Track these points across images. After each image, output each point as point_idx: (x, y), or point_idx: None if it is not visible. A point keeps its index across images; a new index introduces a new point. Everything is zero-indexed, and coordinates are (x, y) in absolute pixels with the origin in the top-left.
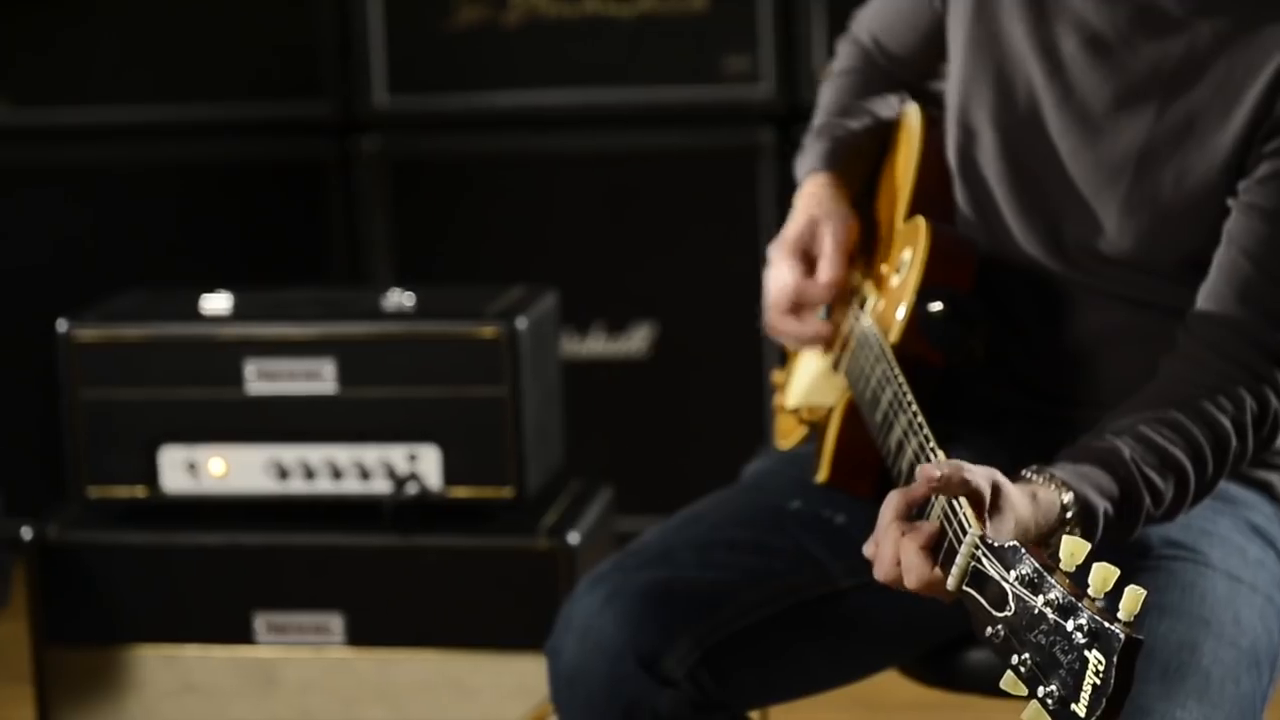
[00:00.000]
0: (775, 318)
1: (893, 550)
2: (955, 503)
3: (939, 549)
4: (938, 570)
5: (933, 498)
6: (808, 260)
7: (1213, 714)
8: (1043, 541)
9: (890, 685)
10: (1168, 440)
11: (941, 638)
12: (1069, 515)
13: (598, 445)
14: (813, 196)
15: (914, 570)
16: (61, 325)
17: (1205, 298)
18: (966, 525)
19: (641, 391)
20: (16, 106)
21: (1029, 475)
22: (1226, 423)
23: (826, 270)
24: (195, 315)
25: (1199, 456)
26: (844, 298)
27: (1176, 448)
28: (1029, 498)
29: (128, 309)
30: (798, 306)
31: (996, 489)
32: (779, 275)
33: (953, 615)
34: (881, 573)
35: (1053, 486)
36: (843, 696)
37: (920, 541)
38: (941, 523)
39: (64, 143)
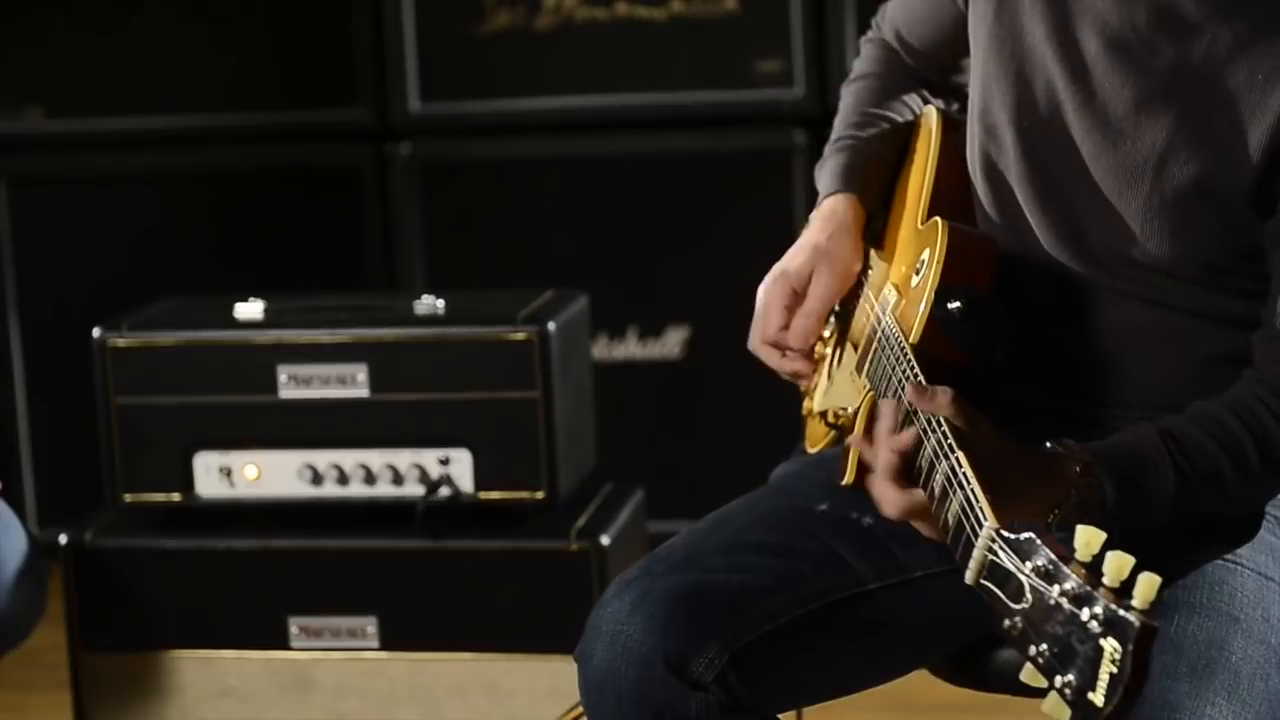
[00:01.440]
0: (756, 343)
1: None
2: (972, 495)
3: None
4: (916, 492)
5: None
6: (798, 301)
7: (1243, 711)
8: (1051, 508)
9: (923, 686)
10: (1202, 430)
11: (971, 637)
12: (1077, 469)
13: (632, 448)
14: (826, 223)
15: (888, 500)
16: (97, 333)
17: (1266, 320)
18: (983, 519)
19: (675, 394)
20: (49, 117)
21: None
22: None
23: (800, 327)
24: (229, 322)
25: (1237, 448)
26: (853, 306)
27: (1210, 437)
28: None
29: (162, 316)
30: (775, 346)
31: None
32: (765, 308)
33: (980, 615)
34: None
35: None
36: (875, 697)
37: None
38: (906, 412)
39: (98, 152)
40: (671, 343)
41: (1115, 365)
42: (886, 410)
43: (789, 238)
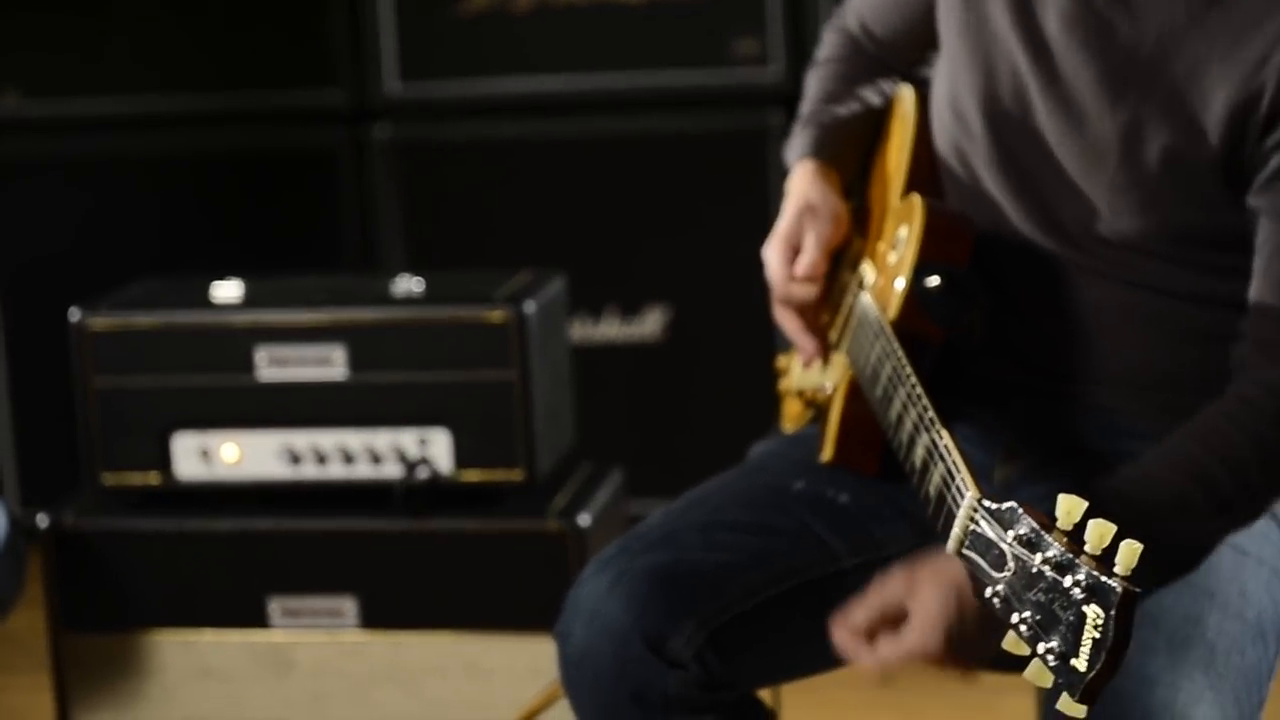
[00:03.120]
0: (777, 310)
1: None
2: (953, 467)
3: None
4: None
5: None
6: (795, 255)
7: (1219, 684)
8: None
9: None
10: (1201, 447)
11: None
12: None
13: (610, 429)
14: (801, 186)
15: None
16: (74, 314)
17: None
18: (964, 489)
19: (654, 375)
20: (26, 98)
21: None
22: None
23: (804, 266)
24: (206, 303)
25: (1238, 463)
26: (840, 284)
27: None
28: None
29: (140, 297)
30: (788, 300)
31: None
32: (771, 270)
33: None
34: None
35: None
36: (854, 674)
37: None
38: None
39: (74, 134)
40: (650, 323)
41: (1088, 342)
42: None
43: (766, 217)
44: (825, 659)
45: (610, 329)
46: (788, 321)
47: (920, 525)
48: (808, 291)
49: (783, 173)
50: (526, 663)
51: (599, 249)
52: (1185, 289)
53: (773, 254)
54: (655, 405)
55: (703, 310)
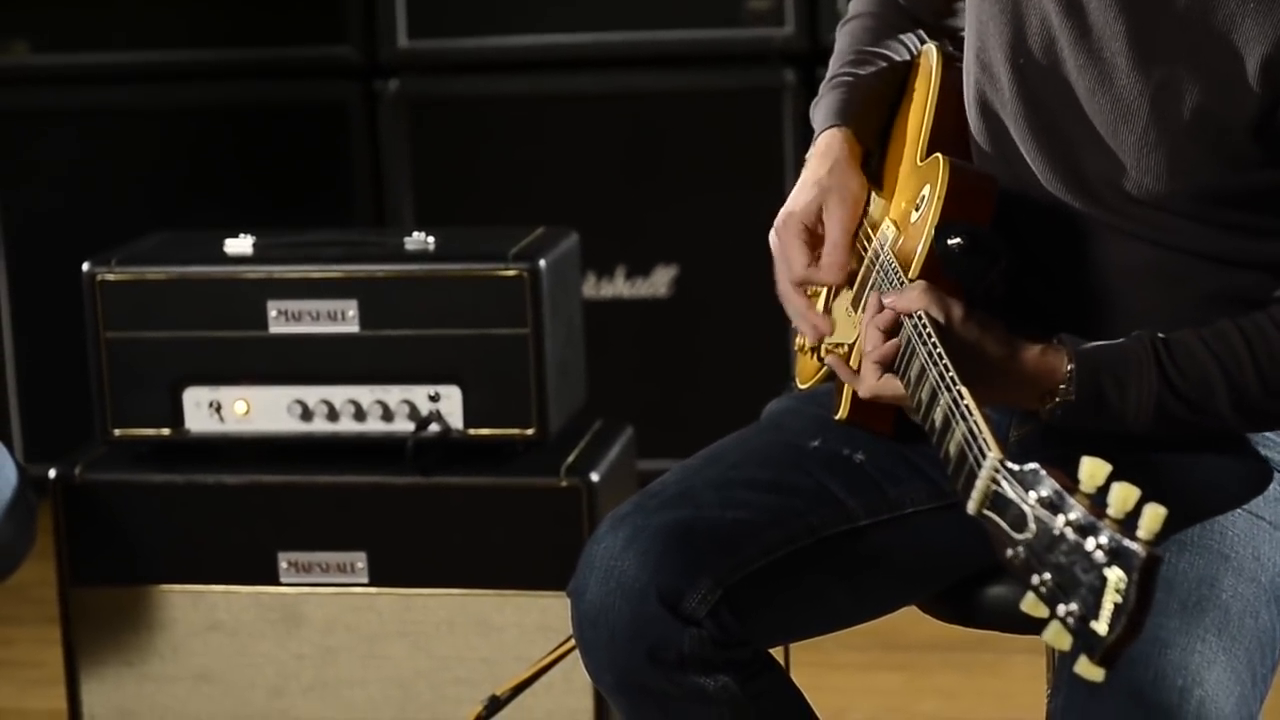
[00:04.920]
0: (785, 286)
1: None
2: (975, 427)
3: (899, 366)
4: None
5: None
6: (814, 239)
7: (1232, 647)
8: (1038, 399)
9: (907, 623)
10: (1200, 339)
11: (960, 574)
12: (1067, 359)
13: (619, 387)
14: (824, 158)
15: (867, 380)
16: (86, 267)
17: None
18: (986, 449)
19: (663, 333)
20: (35, 51)
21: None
22: (1275, 333)
23: (830, 264)
24: (219, 257)
25: (1234, 362)
26: (856, 244)
27: (1205, 343)
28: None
29: (152, 251)
30: (803, 284)
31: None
32: (787, 252)
33: (972, 551)
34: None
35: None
36: (860, 635)
37: (875, 356)
38: (907, 343)
39: (83, 86)
40: (659, 281)
41: (1112, 302)
42: (873, 300)
43: (778, 176)
44: (840, 617)
45: (619, 286)
46: (796, 302)
47: (935, 485)
48: (828, 280)
49: (795, 132)
50: (536, 619)
51: (608, 206)
52: (1213, 249)
53: (789, 234)
54: (663, 364)
55: (712, 269)
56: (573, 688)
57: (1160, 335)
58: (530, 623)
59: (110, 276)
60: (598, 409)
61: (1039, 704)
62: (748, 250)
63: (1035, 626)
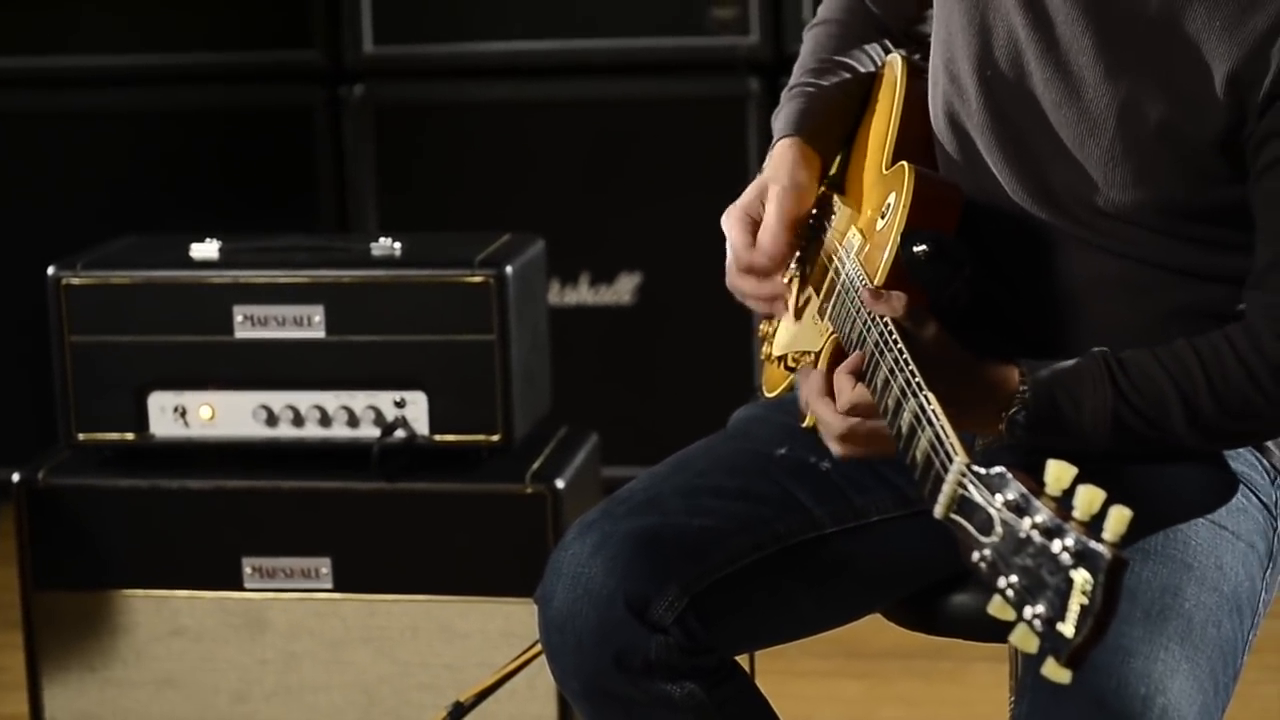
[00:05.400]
0: (733, 277)
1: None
2: (941, 431)
3: (865, 373)
4: (862, 387)
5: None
6: (756, 227)
7: (1195, 656)
8: (996, 417)
9: (869, 632)
10: (1155, 358)
11: (925, 582)
12: (1019, 377)
13: (583, 393)
14: (775, 162)
15: (843, 393)
16: (51, 271)
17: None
18: (953, 454)
19: (626, 340)
20: (2, 54)
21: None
22: (1228, 354)
23: (766, 241)
24: (185, 262)
25: (1188, 382)
26: (817, 252)
27: (1159, 362)
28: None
29: (118, 255)
30: (750, 270)
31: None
32: (730, 240)
33: (936, 559)
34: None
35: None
36: (823, 643)
37: (847, 368)
38: (872, 352)
39: (49, 90)
40: (623, 289)
41: (1077, 314)
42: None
43: (742, 185)
44: (806, 624)
45: (583, 293)
46: (746, 285)
47: (901, 493)
48: (767, 262)
49: (759, 141)
50: (500, 626)
51: (572, 213)
52: (1178, 263)
53: (732, 224)
54: (627, 371)
55: (676, 276)
56: (536, 694)
57: (1116, 354)
58: (494, 629)
59: (76, 280)
60: (562, 416)
61: (1000, 712)
62: (711, 258)
63: (997, 634)
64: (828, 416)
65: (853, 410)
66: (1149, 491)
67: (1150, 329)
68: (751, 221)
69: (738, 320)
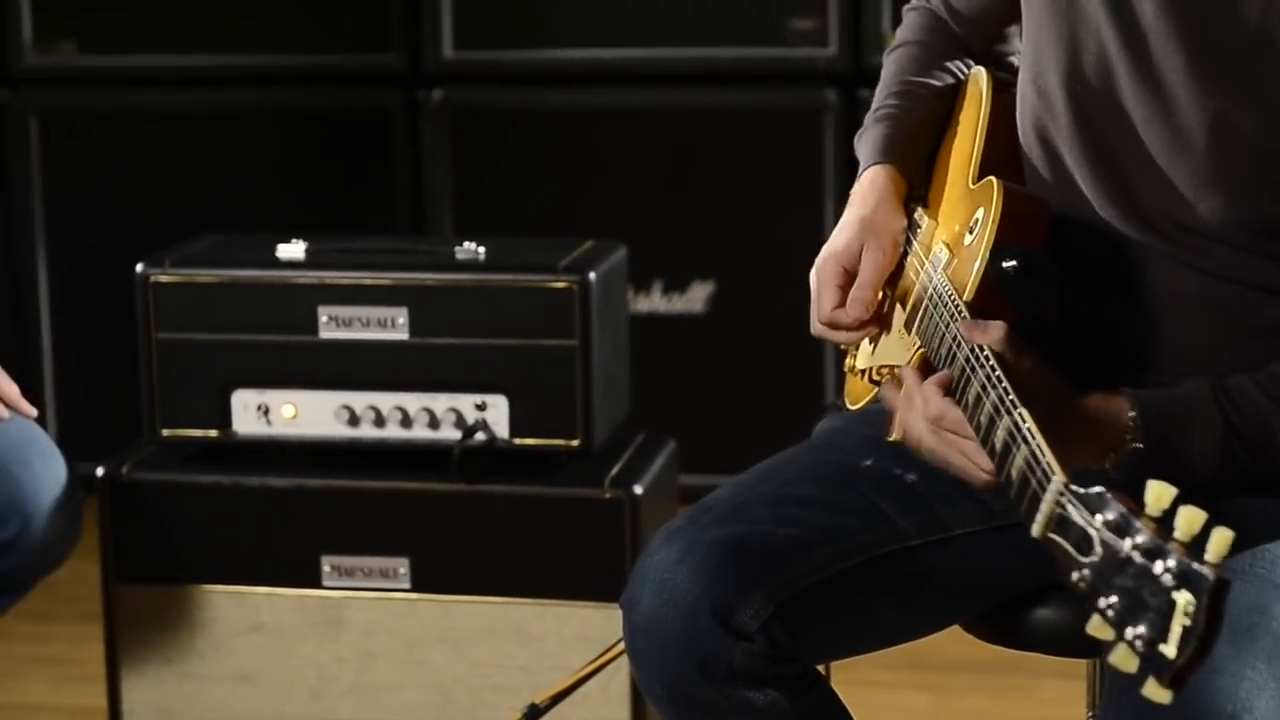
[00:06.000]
0: (815, 328)
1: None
2: (1038, 450)
3: (955, 389)
4: (950, 400)
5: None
6: (849, 280)
7: None
8: (1103, 453)
9: (937, 644)
10: (1256, 384)
11: (1007, 596)
12: (1131, 414)
13: (655, 401)
14: (868, 196)
15: (932, 403)
16: (140, 268)
17: None
18: (1050, 472)
19: (698, 349)
20: (84, 53)
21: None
22: None
23: (855, 304)
24: (271, 261)
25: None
26: (904, 267)
27: (1261, 388)
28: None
29: (204, 254)
30: (830, 325)
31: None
32: (819, 292)
33: (1020, 573)
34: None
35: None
36: (892, 656)
37: (938, 381)
38: (962, 368)
39: (129, 88)
40: (696, 297)
41: (1162, 330)
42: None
43: (817, 196)
44: (887, 635)
45: (655, 301)
46: (832, 336)
47: (985, 505)
48: (851, 320)
49: (836, 153)
50: (575, 629)
51: (647, 221)
52: (1266, 281)
53: (825, 276)
54: (697, 379)
55: (748, 286)
56: (609, 698)
57: (1219, 382)
58: (569, 632)
59: (164, 278)
60: (635, 422)
61: None
62: (785, 269)
63: (1077, 649)
64: (913, 424)
65: (938, 420)
66: (1235, 510)
67: (1234, 347)
68: (844, 275)
69: (807, 332)
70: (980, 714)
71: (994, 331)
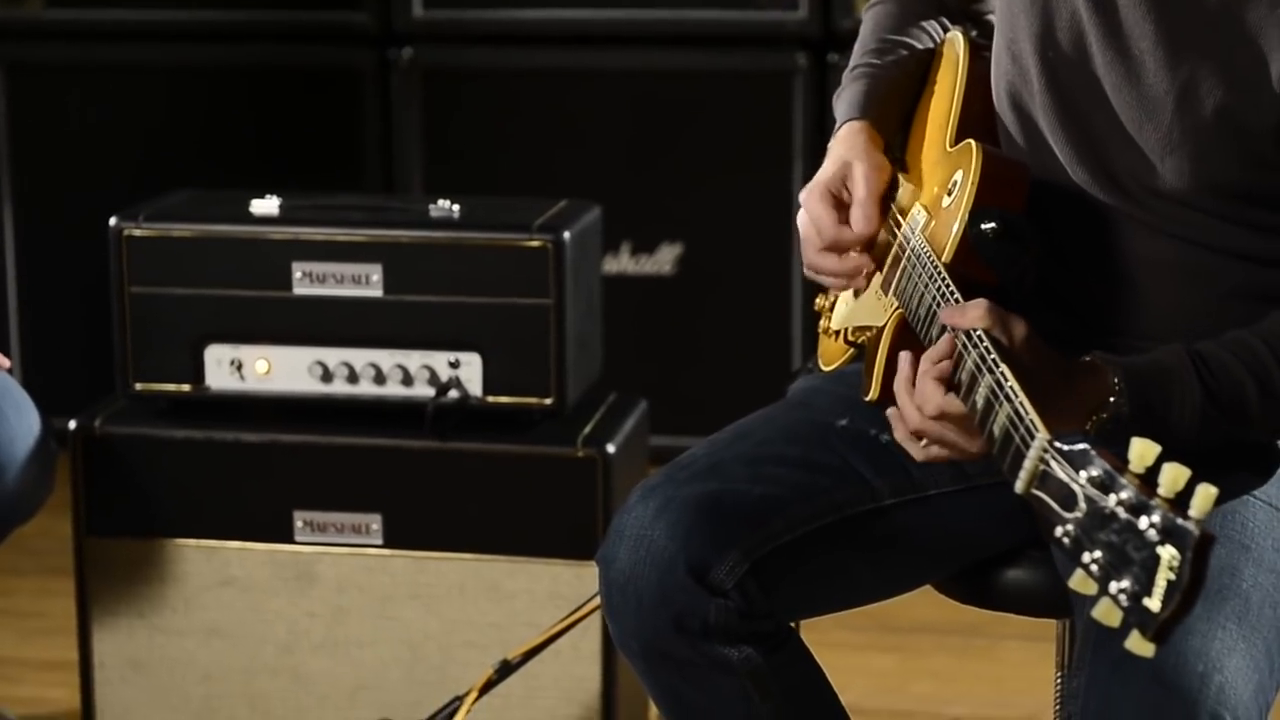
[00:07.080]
0: (813, 256)
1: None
2: (1021, 407)
3: (952, 378)
4: (951, 396)
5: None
6: (840, 205)
7: (1251, 636)
8: (1089, 416)
9: (903, 606)
10: (1230, 352)
11: (979, 556)
12: (1115, 380)
13: (623, 361)
14: (845, 143)
15: (931, 401)
16: (113, 222)
17: None
18: (1034, 430)
19: (666, 310)
20: (51, 6)
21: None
22: None
23: (860, 219)
24: (245, 216)
25: (1264, 374)
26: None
27: (1234, 354)
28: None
29: (178, 208)
30: (834, 247)
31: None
32: (814, 216)
33: (992, 534)
34: (906, 426)
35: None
36: (858, 617)
37: (934, 374)
38: (956, 348)
39: (97, 42)
40: (664, 259)
41: (1135, 295)
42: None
43: (786, 159)
44: (860, 594)
45: (624, 262)
46: (828, 263)
47: (959, 467)
48: (859, 237)
49: (805, 116)
50: (547, 587)
51: (616, 182)
52: (1236, 247)
53: (815, 202)
54: (666, 340)
55: (716, 248)
56: (581, 655)
57: (1193, 348)
58: (541, 590)
59: (137, 232)
60: (603, 383)
61: (1031, 688)
62: (753, 231)
63: (1048, 609)
64: (910, 414)
65: (941, 417)
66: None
67: (1208, 312)
68: (832, 197)
69: (776, 293)
70: (944, 675)
71: (973, 311)
